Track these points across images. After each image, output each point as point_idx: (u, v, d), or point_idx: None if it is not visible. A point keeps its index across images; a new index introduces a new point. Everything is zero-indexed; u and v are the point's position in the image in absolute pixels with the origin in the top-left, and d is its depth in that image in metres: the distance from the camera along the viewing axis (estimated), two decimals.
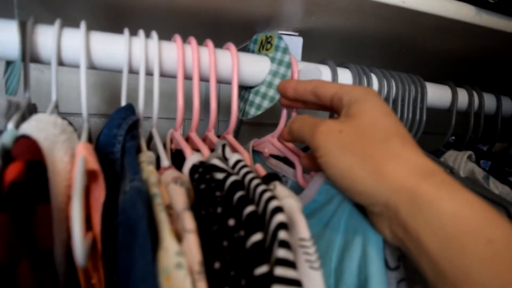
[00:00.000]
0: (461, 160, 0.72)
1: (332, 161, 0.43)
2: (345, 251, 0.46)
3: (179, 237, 0.38)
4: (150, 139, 0.59)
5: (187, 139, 0.59)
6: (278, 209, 0.39)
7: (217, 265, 0.37)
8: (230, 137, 0.60)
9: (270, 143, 0.64)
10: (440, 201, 0.37)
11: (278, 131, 0.64)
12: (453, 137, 0.84)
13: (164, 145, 0.58)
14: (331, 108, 0.50)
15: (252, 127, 1.06)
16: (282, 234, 0.38)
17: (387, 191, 0.40)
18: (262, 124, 0.94)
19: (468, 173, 0.70)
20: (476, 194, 0.48)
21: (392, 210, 0.40)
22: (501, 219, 0.36)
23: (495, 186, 0.66)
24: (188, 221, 0.38)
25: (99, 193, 0.43)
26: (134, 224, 0.37)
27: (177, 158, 0.54)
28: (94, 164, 0.42)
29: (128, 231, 0.37)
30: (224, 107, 0.95)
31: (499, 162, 0.77)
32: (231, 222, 0.39)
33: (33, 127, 0.44)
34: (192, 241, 0.37)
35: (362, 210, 0.47)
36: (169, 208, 0.41)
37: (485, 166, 0.77)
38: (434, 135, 0.90)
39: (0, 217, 0.33)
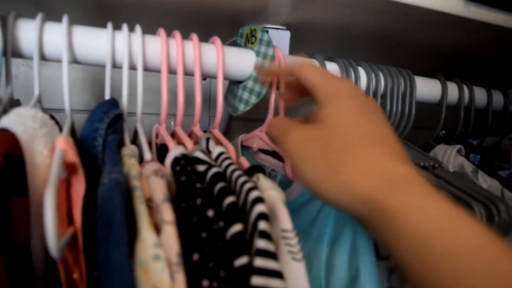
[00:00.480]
0: (450, 154, 0.72)
1: (299, 171, 0.40)
2: (335, 244, 0.45)
3: (158, 229, 0.38)
4: (135, 135, 0.59)
5: (173, 134, 0.59)
6: (259, 200, 0.38)
7: (195, 256, 0.36)
8: (216, 131, 0.60)
9: (258, 138, 0.64)
10: (404, 214, 0.34)
11: (266, 126, 0.64)
12: (443, 131, 0.84)
13: (150, 141, 0.57)
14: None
15: (244, 123, 1.06)
16: (262, 225, 0.37)
17: (353, 202, 0.37)
18: (254, 119, 0.94)
19: (457, 167, 0.70)
20: (462, 189, 0.48)
21: (363, 221, 0.38)
22: (474, 226, 0.32)
23: (484, 180, 0.66)
24: (167, 213, 0.38)
25: (79, 186, 0.42)
26: (111, 216, 0.36)
27: (163, 153, 0.54)
28: (73, 157, 0.41)
29: (106, 223, 0.37)
30: (214, 102, 0.94)
31: (488, 156, 0.77)
32: (211, 213, 0.38)
33: (12, 120, 0.43)
34: (170, 233, 0.36)
35: None
36: (149, 201, 0.41)
37: (474, 160, 0.77)
38: (425, 130, 0.89)
39: None
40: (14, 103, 0.53)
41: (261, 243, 0.36)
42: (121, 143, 0.50)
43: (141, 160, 0.50)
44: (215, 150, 0.48)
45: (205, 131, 0.61)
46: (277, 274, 0.36)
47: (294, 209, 0.48)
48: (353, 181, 0.37)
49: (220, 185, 0.41)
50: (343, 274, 0.44)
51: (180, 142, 0.55)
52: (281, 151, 0.45)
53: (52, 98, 0.62)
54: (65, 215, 0.43)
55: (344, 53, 0.92)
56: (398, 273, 0.47)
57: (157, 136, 0.59)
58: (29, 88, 0.54)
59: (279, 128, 0.45)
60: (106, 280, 0.34)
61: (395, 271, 0.47)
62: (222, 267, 0.36)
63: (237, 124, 1.06)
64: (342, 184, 0.37)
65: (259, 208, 0.38)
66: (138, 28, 0.56)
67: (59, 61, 0.53)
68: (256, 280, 0.35)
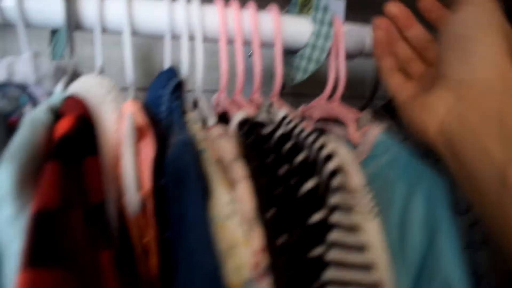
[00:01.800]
0: None
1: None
2: (409, 202, 0.43)
3: (231, 188, 0.37)
4: (195, 104, 0.58)
5: (233, 102, 0.58)
6: (331, 156, 0.37)
7: (270, 213, 0.36)
8: (275, 99, 0.59)
9: (319, 106, 0.63)
10: None
11: (327, 92, 0.62)
12: None
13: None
14: None
15: (292, 98, 1.04)
16: (337, 181, 0.36)
17: None
18: (303, 94, 0.92)
19: None
20: None
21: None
22: None
23: None
24: (239, 169, 0.37)
25: (148, 150, 0.42)
26: (183, 174, 0.36)
27: (223, 122, 0.54)
28: (142, 119, 0.41)
29: (178, 181, 0.36)
30: (265, 76, 0.93)
31: None
32: (283, 170, 0.37)
33: (80, 87, 0.44)
34: (244, 189, 0.36)
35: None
36: (219, 162, 0.40)
37: None
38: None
39: (51, 164, 0.33)
40: (77, 74, 0.54)
41: (335, 199, 0.35)
42: (183, 111, 0.50)
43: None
44: (279, 113, 0.48)
45: None
46: (353, 229, 0.35)
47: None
48: None
49: (290, 143, 0.40)
50: (418, 231, 0.42)
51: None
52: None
53: (108, 77, 0.63)
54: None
55: None
56: (480, 227, 0.45)
57: (217, 104, 0.59)
58: (85, 67, 0.54)
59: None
60: (181, 237, 0.34)
61: (476, 224, 0.44)
62: (297, 223, 0.35)
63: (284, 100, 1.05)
64: None
65: (332, 164, 0.37)
66: None
67: (119, 32, 0.53)
68: (332, 236, 0.34)
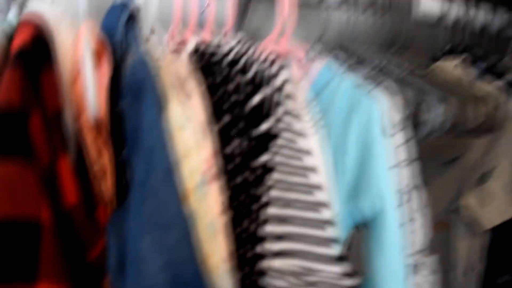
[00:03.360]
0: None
1: None
2: (347, 127, 0.48)
3: (185, 101, 0.40)
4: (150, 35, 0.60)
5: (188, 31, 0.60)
6: (280, 70, 0.41)
7: (221, 123, 0.39)
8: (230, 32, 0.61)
9: (269, 46, 0.65)
10: None
11: (276, 33, 0.65)
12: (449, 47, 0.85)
13: None
14: None
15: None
16: (288, 88, 0.39)
17: None
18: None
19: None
20: None
21: None
22: None
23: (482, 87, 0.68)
24: (192, 85, 0.40)
25: (104, 72, 0.44)
26: (140, 87, 0.38)
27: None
28: (99, 42, 0.43)
29: (134, 94, 0.39)
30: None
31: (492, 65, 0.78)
32: (232, 86, 0.40)
33: (36, 8, 0.45)
34: (196, 101, 0.39)
35: None
36: (173, 79, 0.43)
37: (480, 67, 0.78)
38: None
39: (10, 72, 0.35)
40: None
41: (282, 108, 0.39)
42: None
43: None
44: (233, 40, 0.50)
45: None
46: (297, 136, 0.39)
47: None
48: None
49: (239, 66, 0.43)
50: (354, 151, 0.47)
51: None
52: None
53: None
54: None
55: None
56: (403, 149, 0.50)
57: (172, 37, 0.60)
58: None
59: None
60: (139, 147, 0.37)
61: (401, 146, 0.50)
62: (246, 132, 0.39)
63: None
64: None
65: (284, 74, 0.40)
66: None
67: None
68: (278, 142, 0.38)
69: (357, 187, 0.48)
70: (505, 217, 0.67)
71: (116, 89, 0.44)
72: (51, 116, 0.38)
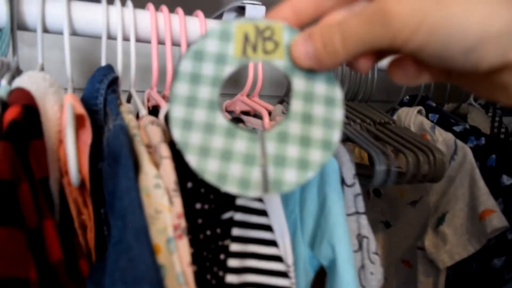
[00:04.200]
0: (412, 115, 0.80)
1: (438, 24, 0.28)
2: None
3: (157, 166, 0.45)
4: (129, 98, 0.66)
5: (164, 97, 0.66)
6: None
7: (189, 184, 0.44)
8: None
9: (240, 101, 0.71)
10: None
11: (246, 89, 0.71)
12: (408, 97, 0.92)
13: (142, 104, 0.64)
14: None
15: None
16: None
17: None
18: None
19: (417, 125, 0.79)
20: (409, 141, 0.57)
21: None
22: None
23: (440, 134, 0.75)
24: (164, 150, 0.45)
25: (86, 136, 0.49)
26: (118, 152, 0.43)
27: (154, 115, 0.61)
28: (81, 109, 0.48)
29: (113, 159, 0.44)
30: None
31: (445, 115, 0.86)
32: None
33: (25, 81, 0.50)
34: (167, 165, 0.44)
35: None
36: (148, 147, 0.48)
37: (433, 118, 0.86)
38: (385, 103, 0.98)
39: (3, 144, 0.39)
40: (19, 71, 0.59)
41: None
42: (118, 104, 0.57)
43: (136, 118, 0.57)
44: None
45: None
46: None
47: None
48: None
49: None
50: (313, 204, 0.52)
51: None
52: (390, 32, 0.29)
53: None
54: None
55: None
56: (361, 198, 0.55)
57: (148, 99, 0.66)
58: (24, 68, 0.60)
59: (353, 21, 0.30)
60: (115, 208, 0.42)
61: (359, 195, 0.55)
62: (212, 191, 0.44)
63: None
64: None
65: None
66: (129, 3, 0.63)
67: (60, 33, 0.60)
68: (238, 201, 0.43)
69: (315, 237, 0.53)
70: (456, 259, 0.72)
71: (98, 148, 0.49)
72: (38, 182, 0.43)
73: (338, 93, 0.36)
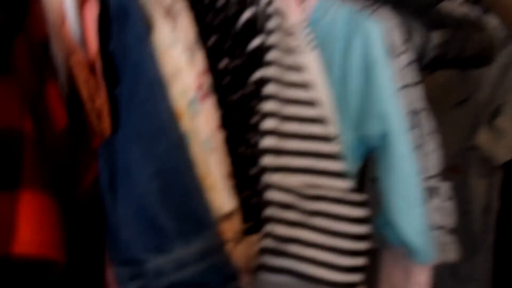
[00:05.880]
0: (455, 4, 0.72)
1: None
2: (347, 54, 0.45)
3: (172, 21, 0.38)
4: None
5: None
6: None
7: (212, 39, 0.38)
8: None
9: None
10: None
11: None
12: None
13: None
14: None
15: None
16: (273, 7, 0.38)
17: None
18: None
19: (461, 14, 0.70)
20: None
21: None
22: None
23: (489, 20, 0.66)
24: (179, 3, 0.38)
25: (92, 11, 0.43)
26: (126, 10, 0.37)
27: None
28: None
29: (122, 19, 0.37)
30: None
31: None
32: (221, 2, 0.39)
33: None
34: (185, 19, 0.37)
35: None
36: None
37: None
38: None
39: None
40: None
41: (273, 23, 0.37)
42: None
43: None
44: None
45: None
46: (294, 50, 0.37)
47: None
48: None
49: None
50: (357, 78, 0.44)
51: None
52: None
53: None
54: None
55: None
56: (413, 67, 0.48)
57: None
58: None
59: None
60: (126, 63, 0.36)
61: (411, 64, 0.47)
62: (238, 48, 0.37)
63: None
64: None
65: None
66: None
67: None
68: (270, 55, 0.37)
69: (362, 115, 0.45)
70: None
71: (107, 28, 0.43)
72: (37, 43, 0.37)
73: None
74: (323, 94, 0.39)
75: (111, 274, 0.35)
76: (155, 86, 0.33)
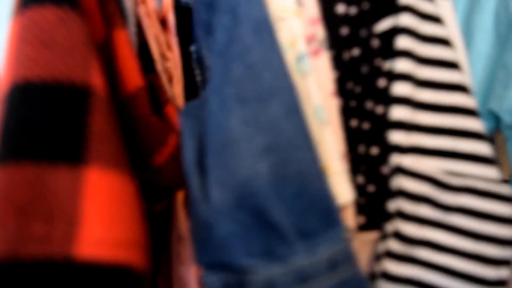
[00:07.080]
0: None
1: None
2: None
3: None
4: None
5: None
6: None
7: None
8: None
9: None
10: None
11: None
12: None
13: None
14: None
15: None
16: None
17: None
18: None
19: None
20: None
21: None
22: None
23: None
24: None
25: None
26: None
27: None
28: None
29: None
30: None
31: None
32: None
33: None
34: None
35: None
36: None
37: None
38: None
39: None
40: None
41: None
42: None
43: None
44: None
45: None
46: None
47: None
48: None
49: None
50: (486, 40, 0.34)
51: None
52: None
53: None
54: None
55: None
56: None
57: None
58: None
59: None
60: (218, 7, 0.27)
61: None
62: None
63: None
64: None
65: None
66: None
67: None
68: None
69: (491, 86, 0.35)
70: None
71: None
72: None
73: None
74: (462, 55, 0.30)
75: (193, 278, 0.27)
76: (262, 28, 0.24)
